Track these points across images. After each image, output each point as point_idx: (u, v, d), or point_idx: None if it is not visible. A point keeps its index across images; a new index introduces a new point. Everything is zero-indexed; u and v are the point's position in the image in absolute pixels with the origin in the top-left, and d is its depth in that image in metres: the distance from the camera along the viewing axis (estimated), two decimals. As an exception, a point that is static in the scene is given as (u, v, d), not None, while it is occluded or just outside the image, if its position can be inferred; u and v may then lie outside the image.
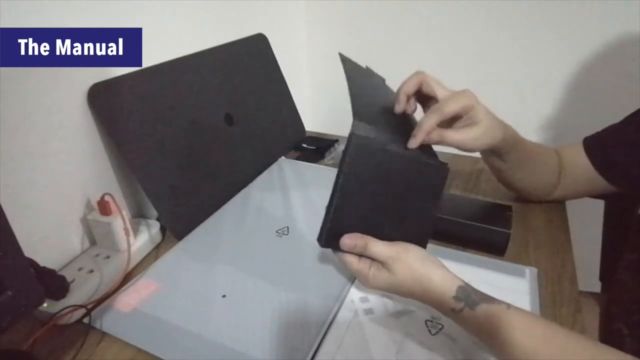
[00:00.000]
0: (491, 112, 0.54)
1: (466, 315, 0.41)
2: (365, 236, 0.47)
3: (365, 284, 0.48)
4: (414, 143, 0.48)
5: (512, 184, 0.67)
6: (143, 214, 0.71)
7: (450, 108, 0.50)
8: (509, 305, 0.41)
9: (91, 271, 0.56)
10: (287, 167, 0.85)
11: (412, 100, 0.56)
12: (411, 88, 0.54)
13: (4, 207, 0.35)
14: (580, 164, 0.62)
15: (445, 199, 0.68)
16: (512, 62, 0.97)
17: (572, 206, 0.71)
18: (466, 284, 0.43)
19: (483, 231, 0.59)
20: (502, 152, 0.59)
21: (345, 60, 0.50)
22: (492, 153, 0.60)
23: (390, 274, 0.45)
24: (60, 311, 0.49)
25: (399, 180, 0.48)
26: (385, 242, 0.46)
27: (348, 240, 0.46)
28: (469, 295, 0.42)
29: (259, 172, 0.82)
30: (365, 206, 0.47)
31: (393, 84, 1.12)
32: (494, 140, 0.54)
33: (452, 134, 0.51)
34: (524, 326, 0.39)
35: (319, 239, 0.48)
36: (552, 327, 0.40)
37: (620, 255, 0.65)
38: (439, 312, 0.45)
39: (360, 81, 0.47)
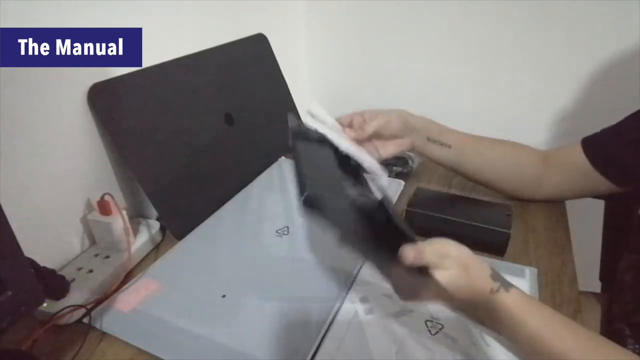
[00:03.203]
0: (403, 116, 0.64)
1: (501, 297, 0.40)
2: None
3: (430, 294, 0.42)
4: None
5: (476, 178, 0.69)
6: (143, 214, 0.71)
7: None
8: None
9: (91, 271, 0.56)
10: (287, 167, 0.85)
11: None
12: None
13: (4, 207, 0.35)
14: (577, 163, 0.62)
15: (445, 199, 0.68)
16: (514, 63, 0.97)
17: (572, 206, 0.71)
18: None
19: (483, 231, 0.59)
20: (432, 135, 0.65)
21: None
22: (428, 141, 0.66)
23: (444, 271, 0.41)
24: (60, 311, 0.49)
25: None
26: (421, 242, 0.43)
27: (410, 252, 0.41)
28: (502, 276, 0.41)
29: (259, 172, 0.82)
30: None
31: (394, 83, 1.12)
32: (401, 118, 0.64)
33: (368, 124, 0.60)
34: (551, 313, 0.41)
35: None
36: (573, 323, 0.41)
37: (621, 255, 0.65)
38: (471, 302, 0.42)
39: None
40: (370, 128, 0.59)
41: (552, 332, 0.39)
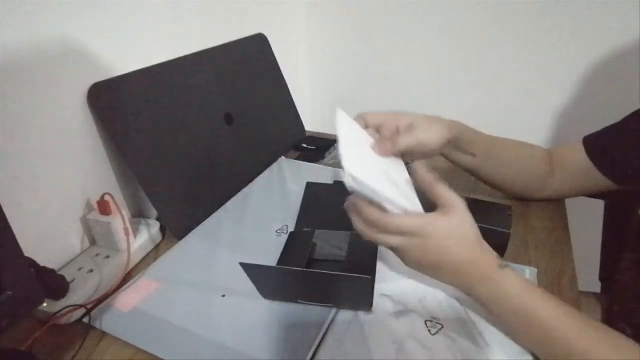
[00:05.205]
0: (427, 115, 0.57)
1: (509, 273, 0.44)
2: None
3: (412, 252, 0.44)
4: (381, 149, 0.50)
5: (492, 181, 0.68)
6: (143, 214, 0.71)
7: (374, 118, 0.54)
8: None
9: (91, 271, 0.56)
10: (287, 167, 0.85)
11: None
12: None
13: (4, 207, 0.35)
14: (578, 162, 0.62)
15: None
16: (514, 62, 0.97)
17: (572, 206, 0.71)
18: None
19: (483, 231, 0.59)
20: (462, 144, 0.61)
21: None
22: (456, 149, 0.62)
23: (451, 218, 0.44)
24: (60, 311, 0.49)
25: None
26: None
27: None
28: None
29: (259, 172, 0.82)
30: None
31: (394, 83, 1.12)
32: (442, 134, 0.56)
33: (401, 139, 0.52)
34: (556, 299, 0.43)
35: None
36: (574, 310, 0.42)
37: (621, 255, 0.65)
38: (473, 278, 0.44)
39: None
40: (401, 146, 0.51)
41: (557, 313, 0.41)
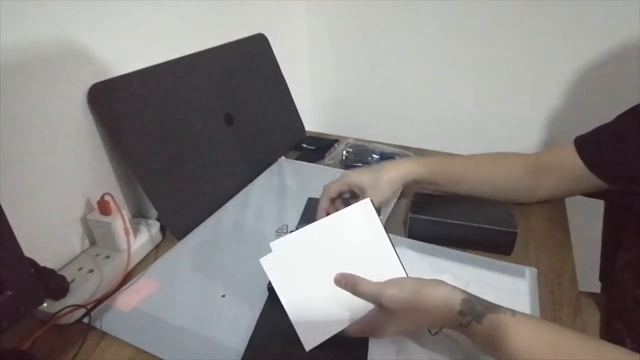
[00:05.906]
0: (387, 166, 0.63)
1: (474, 328, 0.41)
2: (355, 275, 0.46)
3: (380, 334, 0.46)
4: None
5: (473, 194, 0.68)
6: (143, 214, 0.71)
7: (333, 188, 0.61)
8: (514, 312, 0.40)
9: (91, 271, 0.56)
10: (287, 167, 0.85)
11: (336, 203, 0.64)
12: (333, 195, 0.62)
13: (4, 207, 0.35)
14: (570, 164, 0.62)
15: (446, 201, 0.68)
16: (510, 62, 0.97)
17: (572, 206, 0.71)
18: (469, 294, 0.42)
19: (491, 232, 0.59)
20: (424, 182, 0.65)
21: None
22: (418, 183, 0.66)
23: (391, 316, 0.44)
24: (60, 311, 0.49)
25: None
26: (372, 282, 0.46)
27: (338, 277, 0.46)
28: (473, 307, 0.41)
29: (259, 172, 0.82)
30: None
31: (393, 83, 1.12)
32: (392, 187, 0.62)
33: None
34: (530, 333, 0.39)
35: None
36: (558, 330, 0.40)
37: (620, 255, 0.65)
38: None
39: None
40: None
41: (533, 347, 0.38)
